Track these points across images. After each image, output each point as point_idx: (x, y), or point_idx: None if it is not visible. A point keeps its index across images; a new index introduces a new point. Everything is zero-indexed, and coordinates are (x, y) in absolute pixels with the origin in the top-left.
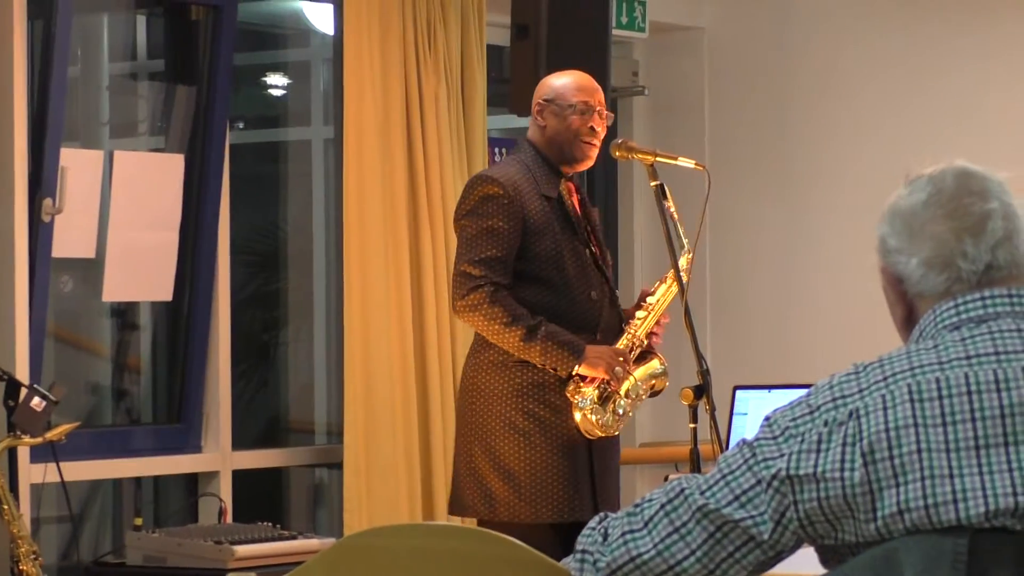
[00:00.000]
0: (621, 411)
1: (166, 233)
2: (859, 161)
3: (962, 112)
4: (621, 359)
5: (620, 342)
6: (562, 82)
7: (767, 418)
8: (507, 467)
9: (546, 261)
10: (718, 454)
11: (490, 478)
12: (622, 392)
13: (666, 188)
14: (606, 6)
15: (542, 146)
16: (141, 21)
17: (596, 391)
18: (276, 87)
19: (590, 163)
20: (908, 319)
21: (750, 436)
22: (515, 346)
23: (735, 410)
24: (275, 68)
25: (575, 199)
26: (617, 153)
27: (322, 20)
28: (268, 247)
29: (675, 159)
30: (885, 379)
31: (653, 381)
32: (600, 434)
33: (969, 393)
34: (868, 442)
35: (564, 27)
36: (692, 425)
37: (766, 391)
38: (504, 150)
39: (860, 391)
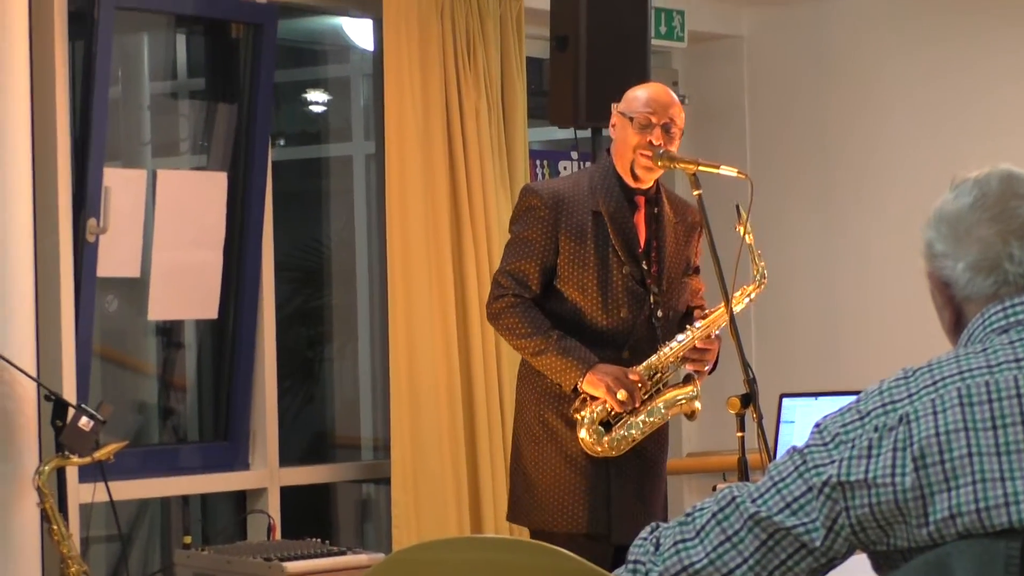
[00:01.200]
0: (631, 432)
1: (210, 251)
2: (901, 167)
3: (1004, 119)
4: (629, 381)
5: (643, 364)
6: (634, 94)
7: (817, 424)
8: (526, 471)
9: (577, 275)
10: (766, 463)
11: (517, 479)
12: (625, 415)
13: (740, 208)
14: (645, 16)
15: (615, 158)
16: (181, 40)
17: (600, 411)
18: (317, 103)
19: (647, 177)
20: (956, 323)
21: (799, 443)
22: (530, 357)
23: (782, 418)
24: (316, 84)
25: (641, 214)
26: (659, 163)
27: (362, 36)
28: (311, 263)
29: (718, 168)
30: (934, 383)
31: (676, 407)
32: (600, 453)
33: (1019, 396)
34: (919, 447)
35: (603, 38)
36: (740, 434)
37: (812, 398)
38: (545, 162)
39: (910, 396)
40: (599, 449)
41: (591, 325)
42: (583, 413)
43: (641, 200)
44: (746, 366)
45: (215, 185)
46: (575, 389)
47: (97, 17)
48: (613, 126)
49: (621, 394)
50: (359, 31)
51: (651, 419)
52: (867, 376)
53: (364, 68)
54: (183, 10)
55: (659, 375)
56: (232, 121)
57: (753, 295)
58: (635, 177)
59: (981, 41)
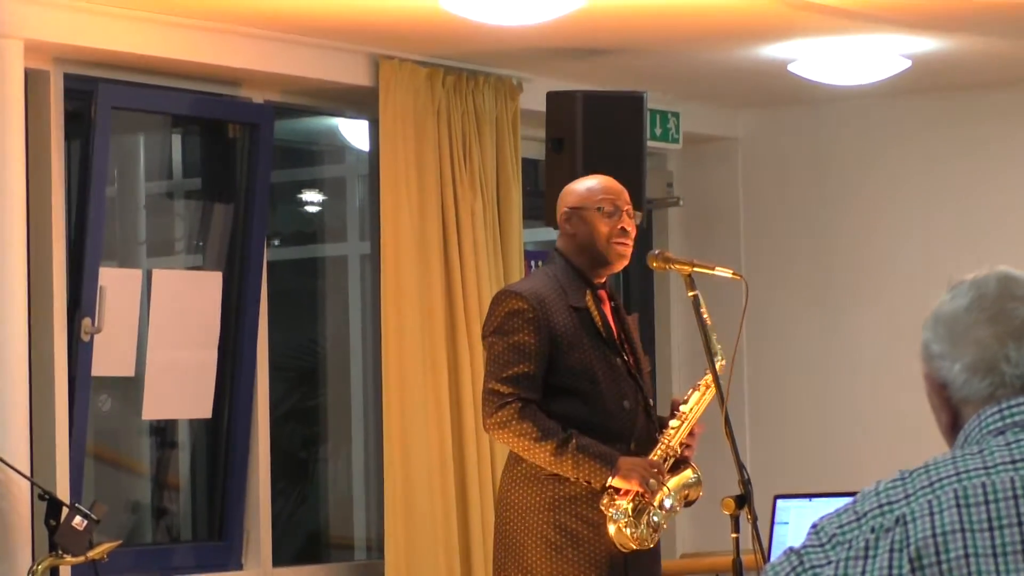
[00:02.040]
0: (656, 523)
1: (205, 351)
2: (895, 266)
3: (998, 214)
4: (655, 470)
5: (654, 453)
6: (586, 186)
7: (814, 525)
8: None
9: (577, 373)
10: (760, 564)
11: None
12: (656, 503)
13: (700, 298)
14: (640, 118)
15: (573, 255)
16: (177, 140)
17: (631, 504)
18: (312, 203)
19: (624, 263)
20: (953, 425)
21: (794, 544)
22: (547, 461)
23: (776, 519)
24: (311, 185)
25: (607, 307)
26: (654, 264)
27: (357, 137)
28: (306, 363)
29: (712, 269)
30: (931, 484)
31: (687, 491)
32: (635, 547)
33: (1016, 498)
34: (915, 548)
35: (599, 140)
36: (734, 535)
37: (807, 500)
38: (540, 263)
39: (906, 497)
40: (633, 544)
41: (600, 421)
42: (612, 510)
43: (603, 293)
44: (741, 466)
45: (210, 284)
46: (603, 486)
47: (94, 117)
48: (567, 222)
49: (653, 483)
50: (355, 132)
51: (669, 505)
52: (863, 478)
53: (360, 168)
54: (180, 110)
55: (667, 462)
56: (228, 221)
57: (718, 372)
58: (610, 265)
59: (975, 140)
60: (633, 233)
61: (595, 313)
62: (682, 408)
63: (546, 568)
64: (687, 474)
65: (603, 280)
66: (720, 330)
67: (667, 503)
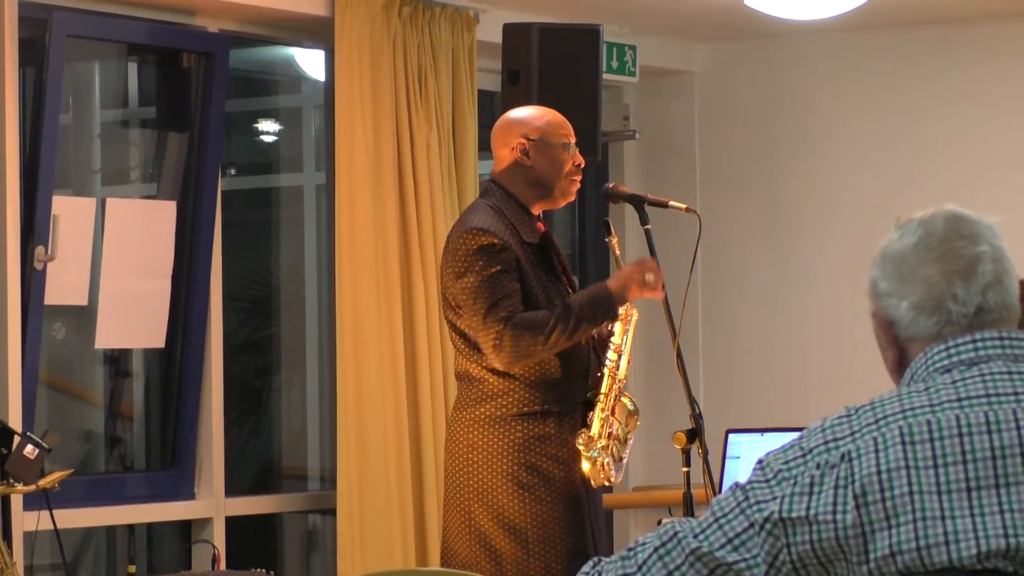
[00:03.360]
0: (619, 453)
1: (158, 280)
2: (848, 202)
3: (948, 151)
4: (643, 267)
5: (603, 385)
6: (545, 119)
7: (760, 461)
8: (513, 524)
9: (538, 308)
10: (711, 498)
11: (495, 536)
12: (619, 437)
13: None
14: (597, 51)
15: (519, 187)
16: (133, 69)
17: (605, 440)
18: (268, 133)
19: (562, 204)
20: (900, 363)
21: (743, 479)
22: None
23: (728, 454)
24: (267, 114)
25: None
26: (608, 198)
27: (313, 66)
28: (260, 293)
29: (666, 203)
30: (877, 422)
31: (632, 419)
32: (606, 483)
33: (960, 435)
34: (860, 484)
35: (555, 72)
36: (685, 469)
37: (759, 435)
38: None
39: (852, 434)
40: (607, 481)
41: (560, 355)
42: (589, 449)
43: (541, 227)
44: (692, 401)
45: (164, 214)
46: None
47: (48, 45)
48: (525, 154)
49: (649, 276)
50: (311, 61)
51: (623, 433)
52: (813, 413)
53: (315, 99)
54: (135, 39)
55: (617, 395)
56: (182, 150)
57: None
58: (561, 200)
59: (930, 79)
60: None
61: (548, 248)
62: (613, 340)
63: (518, 508)
64: (625, 403)
65: (540, 212)
66: (674, 264)
67: (621, 435)
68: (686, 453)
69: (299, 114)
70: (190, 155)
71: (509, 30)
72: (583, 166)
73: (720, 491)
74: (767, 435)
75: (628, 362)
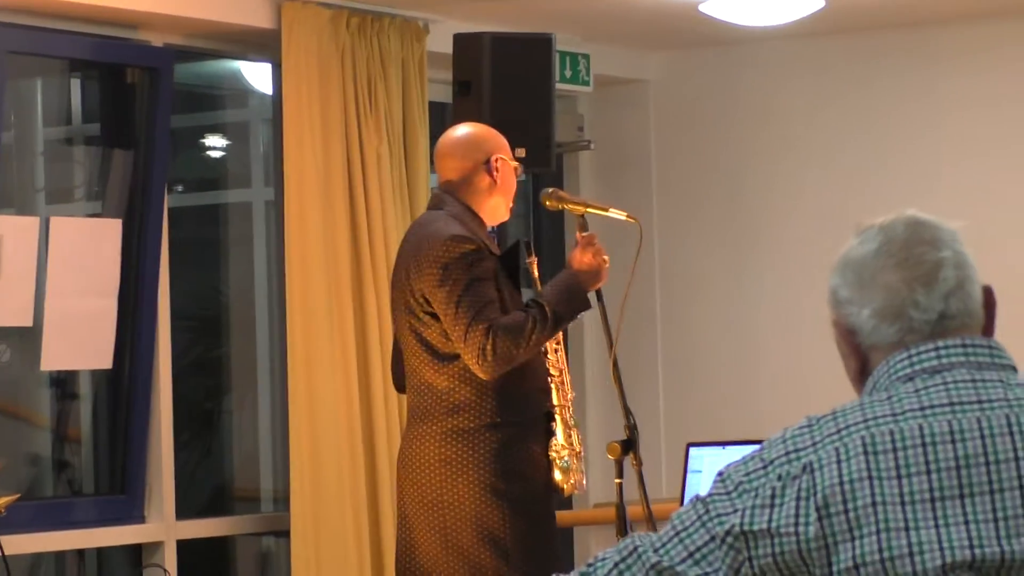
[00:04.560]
0: (580, 466)
1: (105, 300)
2: (809, 212)
3: (907, 155)
4: (588, 244)
5: (555, 397)
6: (502, 139)
7: (720, 473)
8: (494, 535)
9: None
10: (647, 513)
11: (475, 550)
12: (575, 450)
13: (530, 246)
14: (549, 60)
15: (478, 201)
16: (76, 85)
17: (577, 447)
18: (215, 149)
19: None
20: (862, 371)
21: (704, 492)
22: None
23: (689, 467)
24: (214, 129)
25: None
26: (548, 203)
27: (261, 80)
28: (210, 312)
29: (607, 210)
30: (839, 431)
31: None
32: (576, 491)
33: (923, 445)
34: (822, 496)
35: (507, 82)
36: (617, 480)
37: (720, 447)
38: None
39: (813, 444)
40: (577, 490)
41: (528, 368)
42: (562, 459)
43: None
44: (628, 412)
45: (110, 232)
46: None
47: None
48: (493, 170)
49: (606, 257)
50: (258, 75)
51: (577, 448)
52: (775, 425)
53: (263, 113)
54: (78, 54)
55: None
56: (128, 167)
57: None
58: (501, 219)
59: (892, 86)
60: None
61: (510, 259)
62: (547, 358)
63: (498, 519)
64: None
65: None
66: (621, 273)
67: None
68: (619, 464)
69: (247, 129)
70: (136, 172)
71: (460, 40)
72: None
73: (649, 505)
74: (729, 448)
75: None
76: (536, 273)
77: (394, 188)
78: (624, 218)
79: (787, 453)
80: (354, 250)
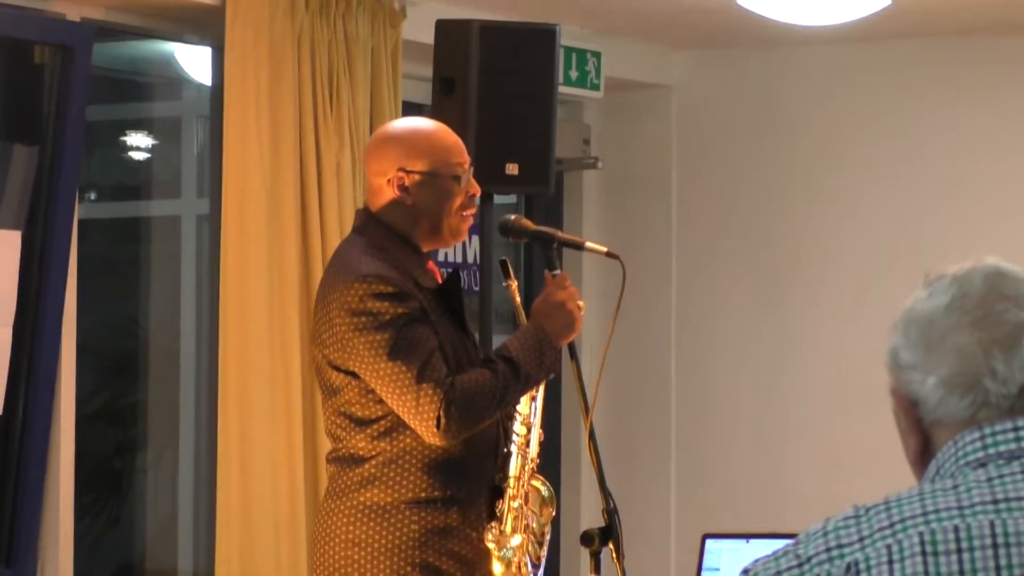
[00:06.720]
0: (536, 557)
1: None
2: (855, 251)
3: (976, 186)
4: (562, 289)
5: (512, 466)
6: (429, 142)
7: (745, 571)
8: None
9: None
10: None
11: None
12: (539, 487)
13: (508, 264)
14: (552, 57)
15: (404, 225)
16: None
17: (521, 535)
18: (139, 149)
19: (452, 245)
20: (923, 452)
21: None
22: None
23: (704, 564)
24: (138, 125)
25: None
26: (510, 236)
27: (198, 67)
28: (125, 348)
29: (582, 244)
30: (892, 526)
31: (542, 509)
32: None
33: (995, 546)
34: None
35: (498, 82)
36: None
37: (743, 541)
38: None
39: (861, 540)
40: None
41: None
42: (501, 549)
43: (432, 265)
44: (606, 493)
45: (6, 247)
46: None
47: None
48: (404, 189)
49: (581, 303)
50: (194, 61)
51: (539, 527)
52: (811, 515)
53: (200, 107)
54: None
55: (529, 474)
56: (31, 167)
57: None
58: (444, 242)
59: (952, 99)
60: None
61: (447, 292)
62: (519, 411)
63: None
64: (538, 486)
65: (429, 250)
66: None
67: (538, 530)
68: (596, 557)
69: (178, 126)
70: (40, 174)
71: (444, 28)
72: (475, 196)
73: None
74: (753, 542)
75: (540, 437)
76: (518, 299)
77: (355, 204)
78: (604, 254)
79: (828, 549)
80: (304, 278)
